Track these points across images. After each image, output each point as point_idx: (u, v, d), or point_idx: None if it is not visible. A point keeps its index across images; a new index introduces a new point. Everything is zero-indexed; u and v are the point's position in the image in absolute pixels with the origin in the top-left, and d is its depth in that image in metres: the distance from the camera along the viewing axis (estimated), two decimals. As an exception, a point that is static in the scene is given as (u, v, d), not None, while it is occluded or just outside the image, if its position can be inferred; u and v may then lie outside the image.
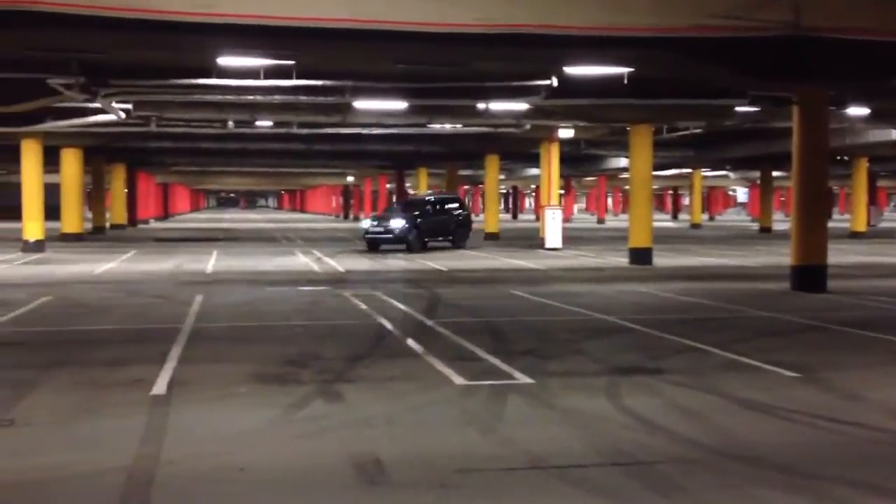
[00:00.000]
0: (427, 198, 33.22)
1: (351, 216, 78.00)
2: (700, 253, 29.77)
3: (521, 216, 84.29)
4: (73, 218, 35.71)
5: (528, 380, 9.10)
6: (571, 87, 19.48)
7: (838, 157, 41.91)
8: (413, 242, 29.54)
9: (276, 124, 28.32)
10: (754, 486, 5.91)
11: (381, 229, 29.95)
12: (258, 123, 27.83)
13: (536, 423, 7.56)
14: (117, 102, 21.88)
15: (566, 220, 52.54)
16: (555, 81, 19.16)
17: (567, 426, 7.40)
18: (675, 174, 62.65)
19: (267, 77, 18.31)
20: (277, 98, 21.04)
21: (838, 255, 24.95)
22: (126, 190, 51.49)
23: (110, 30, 13.20)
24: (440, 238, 31.49)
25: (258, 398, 8.36)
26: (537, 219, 46.98)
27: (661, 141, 30.20)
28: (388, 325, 12.89)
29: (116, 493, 5.72)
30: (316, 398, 8.31)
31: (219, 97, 21.04)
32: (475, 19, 11.30)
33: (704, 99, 21.68)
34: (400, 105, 22.94)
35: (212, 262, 25.24)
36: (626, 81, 18.00)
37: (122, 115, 23.30)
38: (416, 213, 30.67)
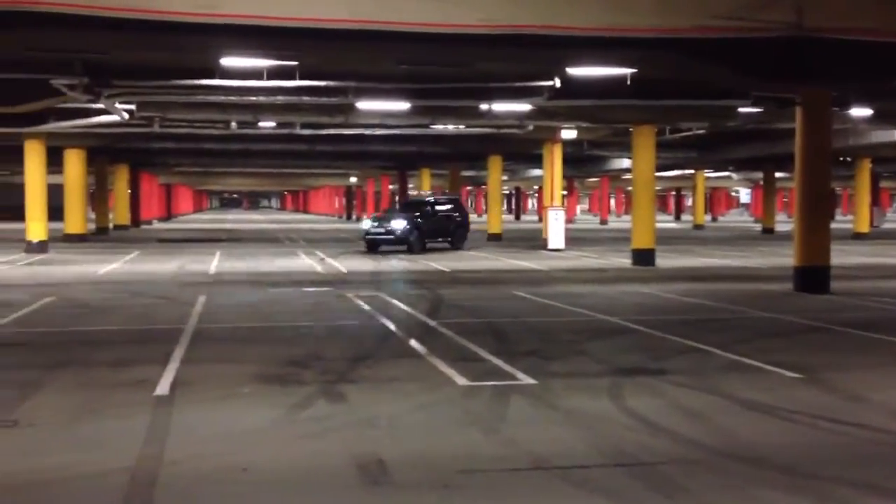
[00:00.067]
0: (427, 199, 33.19)
1: (354, 217, 78.04)
2: (703, 254, 29.75)
3: (523, 217, 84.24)
4: (76, 219, 35.74)
5: (531, 380, 9.10)
6: (574, 87, 19.50)
7: (841, 158, 41.88)
8: (414, 243, 29.54)
9: (279, 125, 28.32)
10: (756, 486, 5.91)
11: (382, 230, 29.90)
12: (261, 124, 27.83)
13: (539, 423, 7.57)
14: (121, 103, 21.90)
15: (569, 221, 52.50)
16: (557, 82, 19.16)
17: (570, 427, 7.40)
18: (678, 175, 62.63)
19: (270, 78, 18.32)
20: (280, 99, 21.05)
21: (841, 256, 24.93)
22: (129, 190, 51.50)
23: (111, 30, 13.22)
24: (439, 239, 31.50)
25: (261, 399, 8.37)
26: (540, 220, 46.99)
27: (663, 142, 30.22)
28: (391, 326, 12.90)
29: (120, 493, 5.74)
30: (319, 399, 8.33)
31: (222, 98, 21.06)
32: (479, 20, 11.30)
33: (707, 100, 21.68)
34: (403, 106, 22.95)
35: (215, 262, 25.27)
36: (628, 82, 18.00)
37: (126, 115, 23.33)
38: (417, 214, 30.66)
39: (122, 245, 33.95)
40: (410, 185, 55.30)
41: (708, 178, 64.63)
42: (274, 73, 18.24)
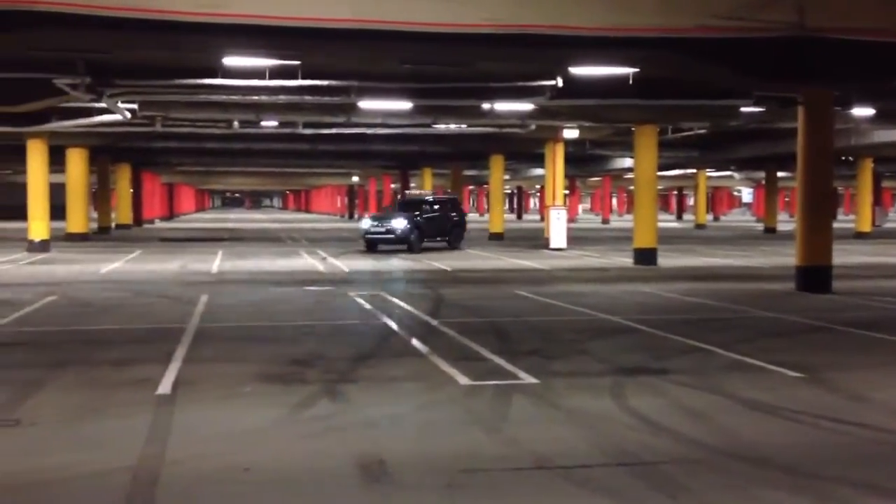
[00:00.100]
0: (425, 198, 33.14)
1: (356, 216, 78.07)
2: (704, 253, 29.74)
3: (525, 216, 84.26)
4: (78, 218, 35.76)
5: (533, 380, 9.10)
6: (576, 87, 19.50)
7: (843, 158, 41.89)
8: (414, 243, 29.54)
9: (282, 124, 28.33)
10: (758, 486, 5.91)
11: (382, 230, 29.84)
12: (263, 123, 27.85)
13: (541, 423, 7.57)
14: (123, 102, 21.93)
15: (571, 220, 52.44)
16: (560, 82, 19.16)
17: (572, 426, 7.40)
18: (680, 174, 62.65)
19: (272, 77, 18.34)
20: (282, 98, 21.05)
21: (843, 255, 24.92)
22: (131, 190, 51.53)
23: (111, 30, 13.21)
24: (437, 238, 31.50)
25: (263, 398, 8.37)
26: (542, 219, 46.96)
27: (665, 141, 30.20)
28: (393, 325, 12.90)
29: (121, 492, 5.74)
30: (321, 398, 8.33)
31: (224, 97, 21.07)
32: (483, 19, 11.31)
33: (709, 99, 21.67)
34: (405, 105, 22.95)
35: (217, 262, 25.27)
36: (631, 82, 18.01)
37: (128, 115, 23.34)
38: (416, 213, 30.65)
39: (125, 244, 33.96)
40: (412, 185, 55.30)
41: (710, 178, 64.62)
42: (276, 73, 18.25)
